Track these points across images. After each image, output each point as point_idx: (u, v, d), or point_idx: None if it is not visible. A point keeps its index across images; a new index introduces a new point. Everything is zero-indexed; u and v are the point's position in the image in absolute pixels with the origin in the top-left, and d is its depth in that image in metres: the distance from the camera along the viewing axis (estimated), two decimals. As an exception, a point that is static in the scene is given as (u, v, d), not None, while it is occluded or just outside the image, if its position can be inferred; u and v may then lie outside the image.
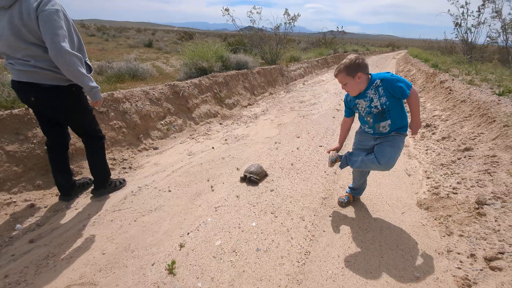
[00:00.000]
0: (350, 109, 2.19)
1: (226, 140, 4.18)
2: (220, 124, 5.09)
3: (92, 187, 2.59)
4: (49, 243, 2.01)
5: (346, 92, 2.06)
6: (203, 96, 5.43)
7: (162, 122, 4.22)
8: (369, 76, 1.94)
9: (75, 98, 2.19)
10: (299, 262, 1.82)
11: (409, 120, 1.99)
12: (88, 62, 2.23)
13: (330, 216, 2.29)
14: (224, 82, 6.23)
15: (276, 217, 2.30)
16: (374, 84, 1.89)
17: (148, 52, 13.42)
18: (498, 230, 1.71)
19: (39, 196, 2.45)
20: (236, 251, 1.94)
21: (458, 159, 2.67)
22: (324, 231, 2.11)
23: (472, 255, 1.67)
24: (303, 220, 2.25)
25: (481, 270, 1.57)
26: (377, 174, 2.96)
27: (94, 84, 2.12)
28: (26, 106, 2.60)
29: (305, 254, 1.89)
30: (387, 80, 1.84)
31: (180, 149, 3.81)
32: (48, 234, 2.10)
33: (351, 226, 2.16)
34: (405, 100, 1.89)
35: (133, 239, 2.06)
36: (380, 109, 1.91)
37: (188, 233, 2.12)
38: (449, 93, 4.78)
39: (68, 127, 2.41)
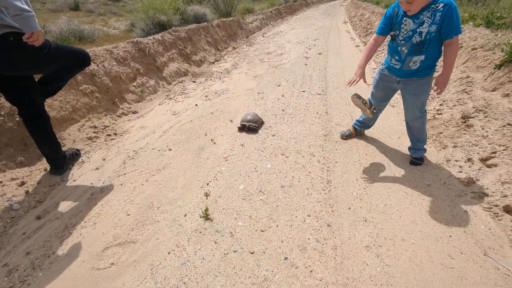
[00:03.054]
0: (388, 26, 1.89)
1: (207, 96, 4.01)
2: (194, 82, 4.82)
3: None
4: (61, 216, 1.85)
5: (393, 4, 1.85)
6: (169, 54, 5.01)
7: (134, 84, 3.85)
8: None
9: (22, 49, 1.71)
10: (324, 190, 1.97)
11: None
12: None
13: (336, 149, 2.45)
14: (187, 37, 5.76)
15: (287, 157, 2.39)
16: (435, 6, 1.64)
17: (78, 16, 11.52)
18: (487, 136, 2.03)
19: (26, 173, 2.17)
20: (263, 191, 2.01)
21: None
22: (336, 162, 2.27)
23: (469, 160, 1.97)
24: (314, 156, 2.38)
25: (480, 169, 1.88)
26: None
27: (24, 5, 1.56)
28: None
29: (327, 183, 2.04)
30: (452, 7, 1.60)
31: (162, 110, 3.58)
32: (55, 208, 1.92)
33: (358, 154, 2.35)
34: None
35: (153, 197, 2.00)
36: (422, 38, 1.72)
37: (208, 183, 2.12)
38: (409, 31, 5.08)
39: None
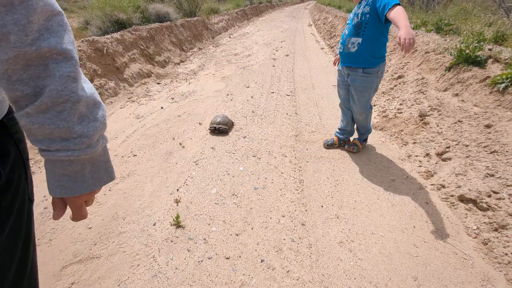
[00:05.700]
0: None
1: (173, 98, 3.87)
2: (158, 83, 4.63)
3: None
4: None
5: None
6: (130, 54, 4.75)
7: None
8: None
9: None
10: (297, 190, 1.99)
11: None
12: None
13: (307, 149, 2.49)
14: (149, 37, 5.51)
15: (259, 158, 2.37)
16: None
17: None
18: (441, 132, 2.21)
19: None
20: (236, 194, 1.97)
21: (395, 86, 3.18)
22: (307, 162, 2.30)
23: (427, 155, 2.13)
24: (286, 156, 2.39)
25: (436, 163, 2.03)
26: (331, 111, 3.28)
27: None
28: None
29: (300, 183, 2.06)
30: None
31: (124, 114, 3.37)
32: None
33: (328, 153, 2.41)
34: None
35: (118, 207, 1.86)
36: (359, 19, 1.90)
37: (178, 189, 2.03)
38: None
39: None
